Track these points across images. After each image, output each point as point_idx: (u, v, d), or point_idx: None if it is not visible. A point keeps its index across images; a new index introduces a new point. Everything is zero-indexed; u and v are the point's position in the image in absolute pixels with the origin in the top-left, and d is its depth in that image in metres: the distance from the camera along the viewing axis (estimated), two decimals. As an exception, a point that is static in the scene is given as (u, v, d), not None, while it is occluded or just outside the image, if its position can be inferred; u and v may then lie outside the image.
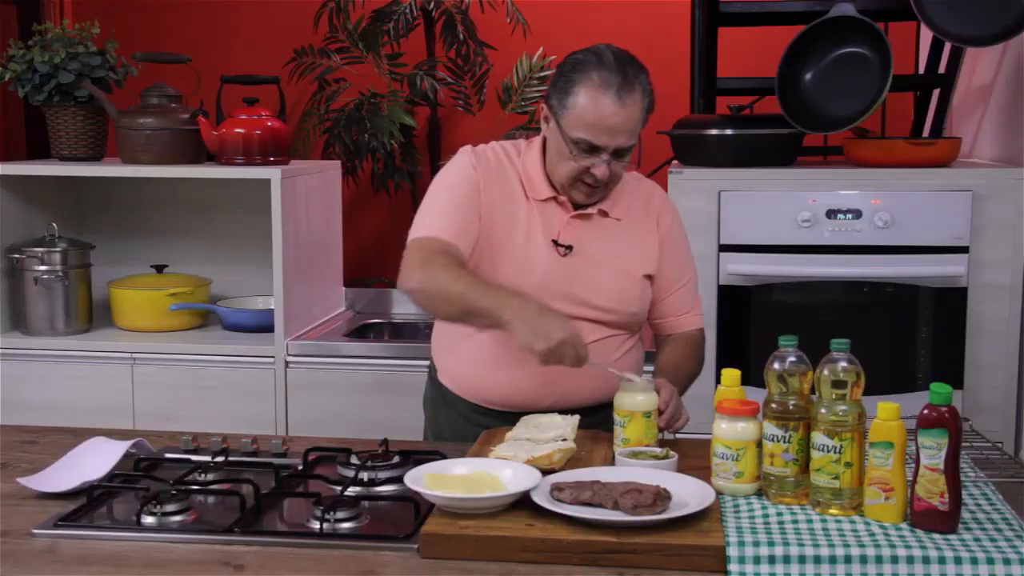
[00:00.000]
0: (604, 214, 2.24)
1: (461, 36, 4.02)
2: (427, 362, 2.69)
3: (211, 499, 1.91)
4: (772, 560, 1.57)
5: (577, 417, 2.09)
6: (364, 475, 1.95)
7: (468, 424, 2.29)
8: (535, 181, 2.22)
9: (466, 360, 2.28)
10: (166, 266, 3.61)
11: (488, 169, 2.22)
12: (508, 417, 2.20)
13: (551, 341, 1.94)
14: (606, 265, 2.22)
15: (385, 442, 2.08)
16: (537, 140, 2.26)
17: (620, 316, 2.24)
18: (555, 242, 2.20)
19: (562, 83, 2.12)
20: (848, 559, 1.56)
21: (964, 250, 2.89)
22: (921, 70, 3.65)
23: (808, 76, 3.07)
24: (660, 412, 2.04)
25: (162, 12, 4.36)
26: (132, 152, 3.38)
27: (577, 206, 2.22)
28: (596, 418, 2.23)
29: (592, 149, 2.10)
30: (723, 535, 1.62)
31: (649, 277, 2.27)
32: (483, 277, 2.15)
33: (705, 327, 2.92)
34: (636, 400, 2.01)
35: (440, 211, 2.18)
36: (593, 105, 2.07)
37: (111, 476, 1.96)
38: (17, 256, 3.40)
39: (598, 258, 2.22)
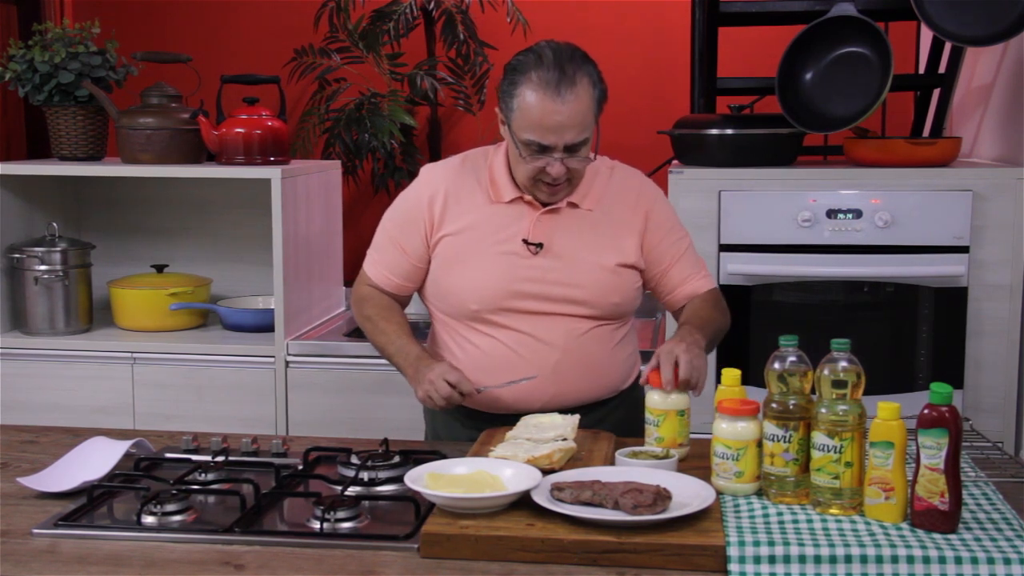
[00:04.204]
0: (574, 206, 2.23)
1: (461, 36, 4.02)
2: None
3: (211, 499, 1.91)
4: (772, 560, 1.57)
5: (577, 417, 2.09)
6: (364, 475, 1.95)
7: (464, 428, 2.30)
8: (500, 184, 2.23)
9: (456, 365, 2.28)
10: (166, 266, 3.62)
11: (445, 189, 2.24)
12: (501, 420, 2.21)
13: (422, 385, 2.15)
14: (579, 258, 2.22)
15: (385, 442, 2.08)
16: (503, 143, 2.26)
17: (601, 308, 2.23)
18: (525, 241, 2.21)
19: (506, 86, 2.12)
20: (848, 559, 1.56)
21: (964, 250, 2.89)
22: (921, 70, 3.66)
23: (808, 76, 3.07)
24: (681, 383, 2.02)
25: (162, 12, 4.36)
26: (132, 152, 3.38)
27: (545, 203, 2.22)
28: (592, 417, 2.23)
29: (542, 149, 2.10)
30: (723, 535, 1.62)
31: (629, 267, 2.25)
32: (435, 312, 2.34)
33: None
34: (669, 399, 2.00)
35: (383, 254, 2.33)
36: (536, 105, 2.07)
37: (111, 476, 1.96)
38: (17, 256, 3.40)
39: (570, 252, 2.22)
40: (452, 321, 2.27)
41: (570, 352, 2.21)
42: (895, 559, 1.56)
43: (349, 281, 3.91)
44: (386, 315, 2.31)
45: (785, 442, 1.76)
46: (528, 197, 2.21)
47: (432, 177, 2.28)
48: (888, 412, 1.67)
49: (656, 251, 2.28)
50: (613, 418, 2.29)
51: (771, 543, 1.58)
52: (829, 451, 1.71)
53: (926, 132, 3.39)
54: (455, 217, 2.23)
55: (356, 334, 3.53)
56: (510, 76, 2.12)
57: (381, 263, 2.32)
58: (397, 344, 2.26)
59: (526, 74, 2.08)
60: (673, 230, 2.31)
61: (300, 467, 2.05)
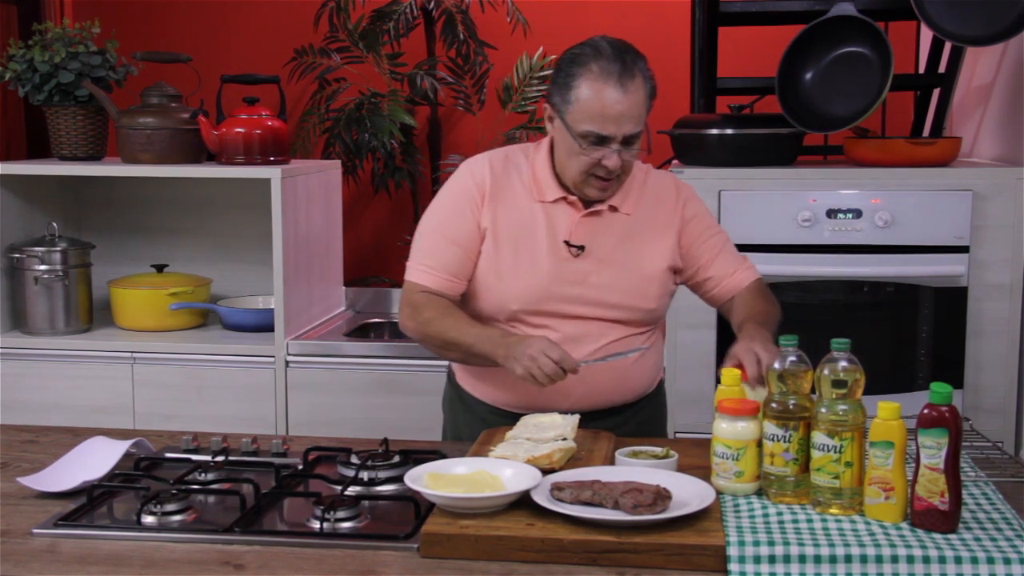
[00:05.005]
0: (614, 209, 2.22)
1: (461, 36, 4.02)
2: (428, 362, 2.69)
3: (211, 499, 1.91)
4: (772, 560, 1.57)
5: (577, 416, 2.09)
6: (364, 475, 1.95)
7: (486, 426, 2.26)
8: (543, 183, 2.21)
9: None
10: (166, 266, 3.62)
11: (491, 179, 2.21)
12: None
13: (522, 361, 2.03)
14: (620, 263, 2.20)
15: (385, 442, 2.08)
16: (545, 142, 2.25)
17: (637, 313, 2.22)
18: (567, 243, 2.19)
19: (562, 78, 2.11)
20: (848, 559, 1.56)
21: (964, 250, 2.89)
22: (921, 70, 3.66)
23: (808, 76, 3.07)
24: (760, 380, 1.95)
25: (162, 12, 4.36)
26: (132, 152, 3.38)
27: (587, 204, 2.20)
28: (616, 419, 2.23)
29: (601, 140, 2.09)
30: (723, 535, 1.62)
31: (666, 270, 2.24)
32: (469, 313, 2.22)
33: (705, 327, 2.93)
34: (756, 394, 1.92)
35: (430, 254, 2.23)
36: (596, 96, 2.06)
37: (111, 476, 1.96)
38: (17, 256, 3.40)
39: (611, 256, 2.20)
40: (488, 320, 2.23)
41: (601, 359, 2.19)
42: (895, 559, 1.56)
43: (349, 281, 3.92)
44: (448, 312, 2.20)
45: (785, 442, 1.76)
46: (571, 198, 2.19)
47: (476, 168, 2.25)
48: (888, 412, 1.67)
49: (693, 249, 2.27)
50: (637, 420, 2.28)
51: (771, 543, 1.58)
52: (829, 451, 1.71)
53: (926, 132, 3.39)
54: (497, 212, 2.20)
55: (356, 334, 3.53)
56: (567, 69, 2.10)
57: (432, 265, 2.22)
58: (473, 333, 2.16)
59: (585, 66, 2.08)
60: (709, 227, 2.30)
61: (300, 467, 2.05)
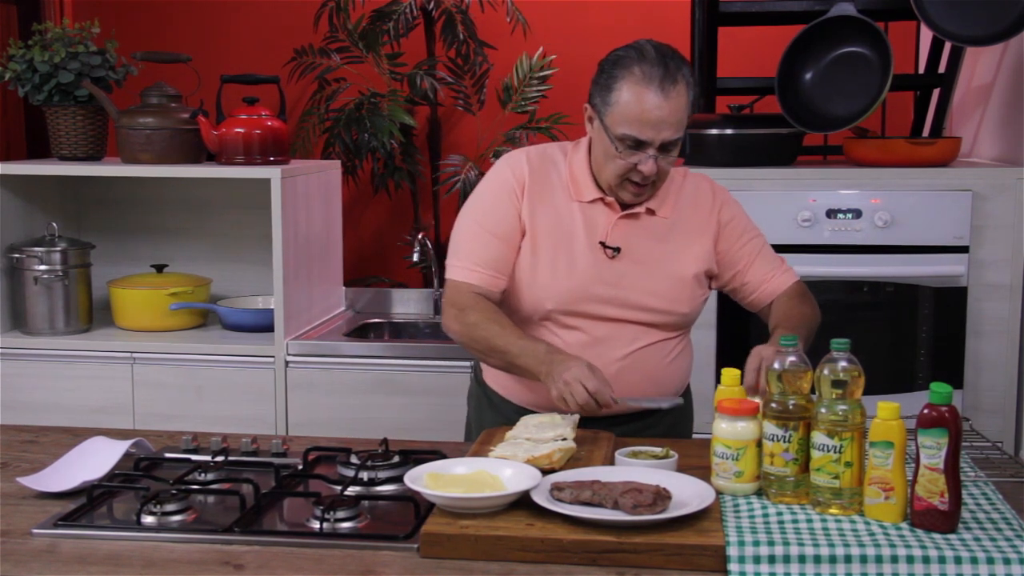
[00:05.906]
0: (652, 213, 2.20)
1: (461, 36, 4.02)
2: (428, 362, 2.67)
3: (211, 499, 1.91)
4: (772, 560, 1.57)
5: (577, 416, 2.08)
6: (364, 475, 1.95)
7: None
8: (581, 182, 2.19)
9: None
10: (166, 266, 3.62)
11: (529, 175, 2.19)
12: None
13: (557, 383, 2.01)
14: (655, 266, 2.19)
15: (385, 442, 2.08)
16: (584, 141, 2.23)
17: (670, 317, 2.21)
18: (603, 244, 2.17)
19: (604, 80, 2.09)
20: (848, 559, 1.56)
21: (964, 250, 2.89)
22: (921, 70, 3.66)
23: (808, 76, 3.07)
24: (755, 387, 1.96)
25: (162, 12, 4.36)
26: (132, 152, 3.38)
27: (624, 206, 2.19)
28: (643, 424, 2.22)
29: (638, 145, 2.07)
30: (723, 535, 1.62)
31: (702, 274, 2.23)
32: (506, 312, 2.19)
33: (705, 327, 2.93)
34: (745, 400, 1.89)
35: (472, 251, 2.19)
36: (636, 100, 2.04)
37: (111, 476, 1.96)
38: (17, 256, 3.40)
39: (647, 259, 2.19)
40: (523, 320, 2.22)
41: (632, 362, 2.19)
42: (895, 559, 1.56)
43: (349, 281, 3.92)
44: (494, 317, 2.15)
45: (785, 442, 1.76)
46: (609, 199, 2.18)
47: (514, 162, 2.22)
48: (888, 412, 1.67)
49: (730, 253, 2.25)
50: (663, 424, 2.27)
51: (771, 543, 1.58)
52: (829, 451, 1.71)
53: (926, 132, 3.39)
54: (535, 208, 2.18)
55: (356, 334, 3.53)
56: (609, 71, 2.09)
57: (475, 261, 2.18)
58: (519, 344, 2.11)
59: (628, 68, 2.06)
60: (747, 231, 2.28)
61: (300, 467, 2.05)
